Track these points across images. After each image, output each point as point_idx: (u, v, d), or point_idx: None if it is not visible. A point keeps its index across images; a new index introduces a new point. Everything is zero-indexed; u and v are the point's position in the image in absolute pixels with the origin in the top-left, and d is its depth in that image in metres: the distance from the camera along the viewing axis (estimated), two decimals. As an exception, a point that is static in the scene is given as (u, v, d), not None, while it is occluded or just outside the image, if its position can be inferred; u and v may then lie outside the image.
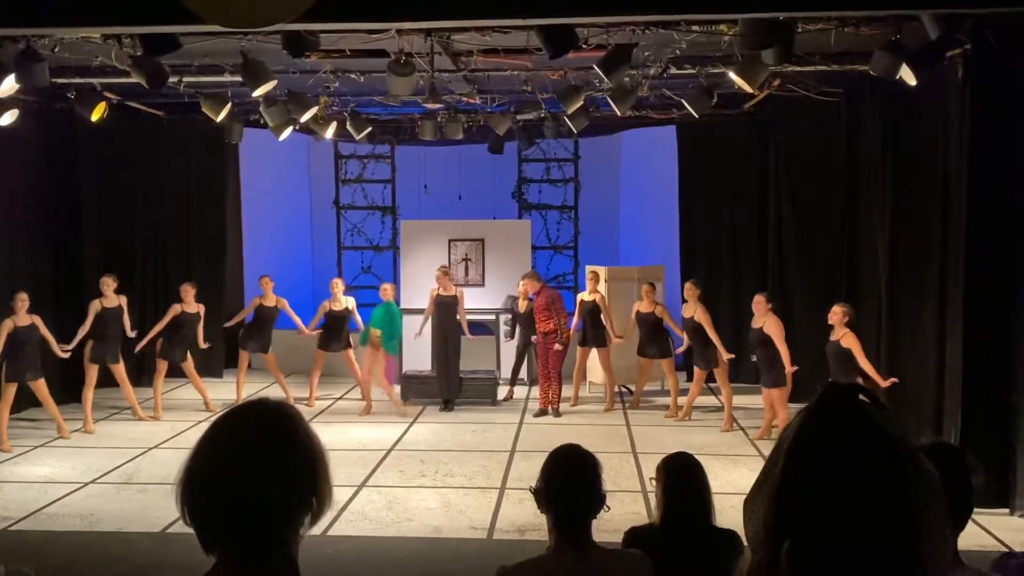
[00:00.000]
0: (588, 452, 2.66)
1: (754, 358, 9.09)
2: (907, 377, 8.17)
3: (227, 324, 10.94)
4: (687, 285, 9.80)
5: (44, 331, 8.95)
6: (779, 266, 11.20)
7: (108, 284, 9.73)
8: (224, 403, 10.33)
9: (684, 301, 9.77)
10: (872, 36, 6.78)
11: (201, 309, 10.27)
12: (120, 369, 9.83)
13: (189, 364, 10.28)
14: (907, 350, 8.38)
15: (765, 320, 8.71)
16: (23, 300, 8.76)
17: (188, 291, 10.17)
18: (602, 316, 10.40)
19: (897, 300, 8.60)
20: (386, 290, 10.49)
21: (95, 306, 9.63)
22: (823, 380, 7.97)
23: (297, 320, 10.65)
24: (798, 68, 8.06)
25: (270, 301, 10.54)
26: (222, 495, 1.38)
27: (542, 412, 10.22)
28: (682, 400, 10.09)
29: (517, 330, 10.99)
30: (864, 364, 7.87)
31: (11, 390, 8.80)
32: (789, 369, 8.53)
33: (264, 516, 1.38)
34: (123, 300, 9.87)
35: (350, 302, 10.61)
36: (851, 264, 9.92)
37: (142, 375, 11.50)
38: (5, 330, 8.59)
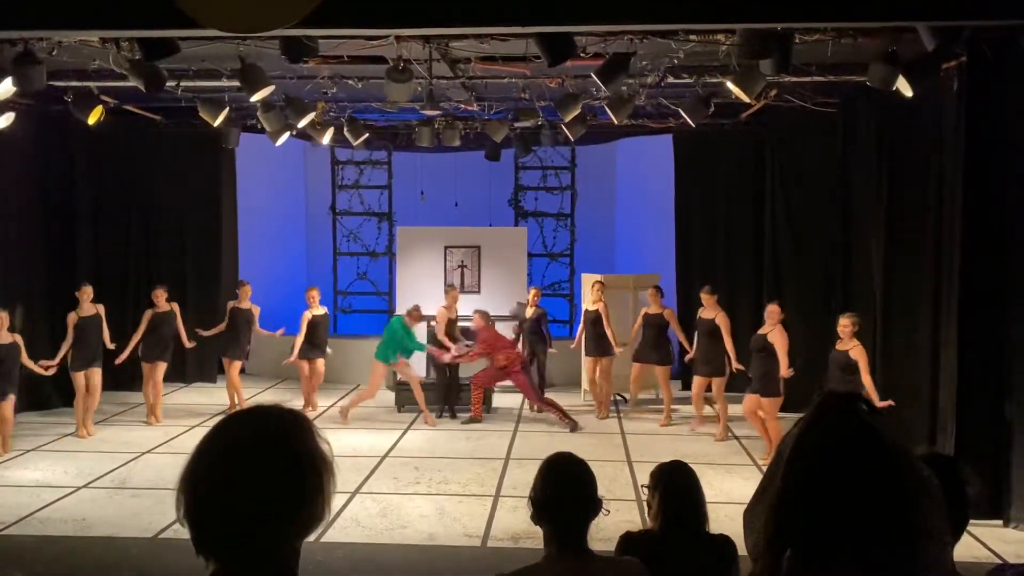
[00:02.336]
0: (580, 458, 2.65)
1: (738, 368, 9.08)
2: (902, 387, 8.17)
3: (206, 332, 10.59)
4: (704, 292, 9.72)
5: (22, 352, 8.79)
6: (774, 275, 11.22)
7: (87, 293, 9.60)
8: (217, 410, 10.32)
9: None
10: (869, 47, 6.81)
11: (176, 308, 10.14)
12: (96, 374, 9.53)
13: (162, 366, 10.03)
14: (901, 360, 8.39)
15: (772, 330, 8.64)
16: (2, 319, 8.58)
17: (159, 294, 10.08)
18: (604, 325, 10.41)
19: (891, 310, 8.61)
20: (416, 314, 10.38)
21: (72, 318, 9.47)
22: (817, 389, 8.02)
23: (260, 331, 10.52)
24: (795, 78, 8.09)
25: (244, 304, 10.46)
26: (220, 500, 1.37)
27: (472, 420, 10.27)
28: (688, 409, 10.03)
29: (521, 339, 10.98)
30: (866, 380, 7.76)
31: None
32: (785, 373, 8.43)
33: (262, 523, 1.37)
34: (101, 309, 9.67)
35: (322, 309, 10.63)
36: (846, 273, 9.94)
37: (134, 380, 11.43)
38: None
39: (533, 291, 10.99)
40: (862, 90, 8.13)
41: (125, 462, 8.43)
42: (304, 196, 14.87)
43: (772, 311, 8.80)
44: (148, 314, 10.05)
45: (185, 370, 12.02)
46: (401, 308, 12.11)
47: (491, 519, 6.89)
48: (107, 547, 6.33)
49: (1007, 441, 6.66)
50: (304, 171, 14.71)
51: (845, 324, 7.99)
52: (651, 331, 10.17)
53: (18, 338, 8.79)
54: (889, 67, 6.64)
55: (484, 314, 10.40)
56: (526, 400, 10.87)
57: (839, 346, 8.02)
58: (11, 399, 8.67)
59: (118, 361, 9.86)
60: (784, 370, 8.43)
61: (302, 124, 9.45)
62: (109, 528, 6.68)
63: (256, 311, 10.48)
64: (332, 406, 11.12)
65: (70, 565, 5.99)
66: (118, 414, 10.23)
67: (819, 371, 8.31)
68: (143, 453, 8.76)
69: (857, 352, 7.85)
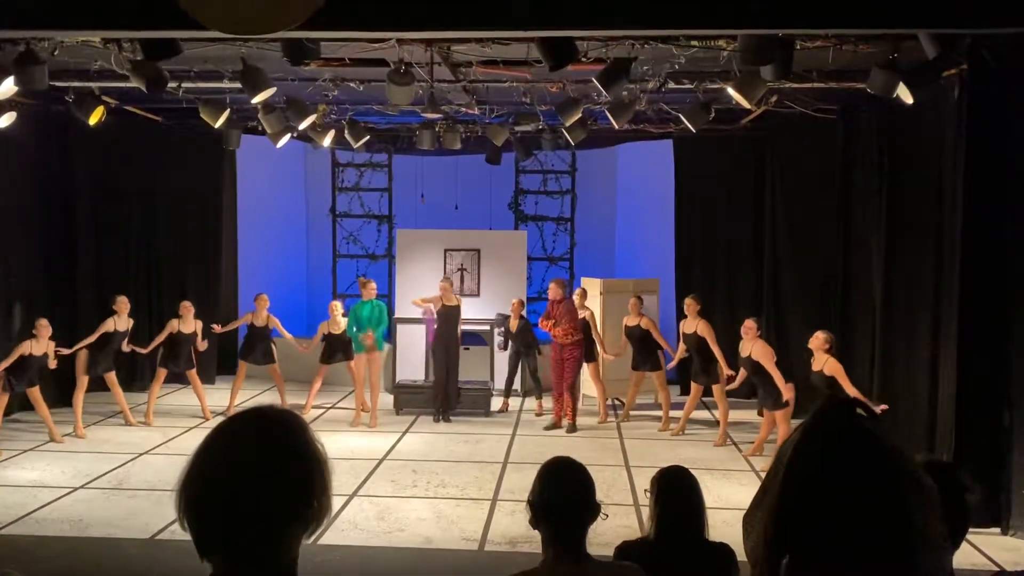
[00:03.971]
0: (579, 463, 2.65)
1: (737, 383, 9.07)
2: (901, 394, 8.17)
3: (220, 329, 10.80)
4: (687, 301, 9.72)
5: (50, 352, 9.05)
6: (774, 282, 11.22)
7: (124, 305, 9.78)
8: (215, 410, 10.30)
9: (683, 317, 9.75)
10: (870, 54, 6.82)
11: (199, 327, 10.21)
12: (112, 376, 9.82)
13: (193, 373, 10.25)
14: (901, 368, 8.39)
15: (753, 346, 8.60)
16: (45, 327, 8.89)
17: (188, 309, 10.15)
18: (592, 332, 10.40)
19: (891, 317, 8.61)
20: (371, 286, 10.40)
21: (108, 325, 9.64)
22: (816, 398, 8.03)
23: (289, 337, 10.60)
24: (795, 85, 8.10)
25: (260, 320, 10.50)
26: (221, 500, 1.37)
27: (554, 425, 10.17)
28: (677, 414, 10.07)
29: (509, 342, 10.97)
30: (850, 390, 7.63)
31: (4, 399, 8.83)
32: (788, 396, 8.39)
33: (263, 523, 1.37)
34: (130, 324, 9.88)
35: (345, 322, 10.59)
36: (845, 280, 9.94)
37: (134, 380, 11.46)
38: (19, 352, 8.72)
39: (516, 302, 10.80)
40: (863, 97, 8.14)
41: (123, 463, 8.41)
42: (304, 198, 14.88)
43: (748, 327, 8.73)
44: (174, 325, 10.09)
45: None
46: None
47: (489, 523, 6.89)
48: (104, 547, 6.32)
49: (1006, 448, 6.65)
50: (304, 173, 14.72)
51: (817, 339, 7.88)
52: (633, 342, 10.17)
53: (52, 345, 9.01)
54: (890, 74, 6.65)
55: (562, 283, 10.23)
56: (527, 400, 10.87)
57: (815, 366, 7.91)
58: (36, 388, 8.98)
59: (135, 349, 10.14)
60: (783, 389, 8.40)
61: (303, 126, 9.46)
62: (106, 528, 6.67)
63: (276, 322, 10.50)
64: (330, 408, 11.13)
65: (67, 565, 5.97)
66: (116, 415, 10.21)
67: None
68: (141, 454, 8.74)
69: (831, 366, 7.74)
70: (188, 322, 10.10)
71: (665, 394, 10.26)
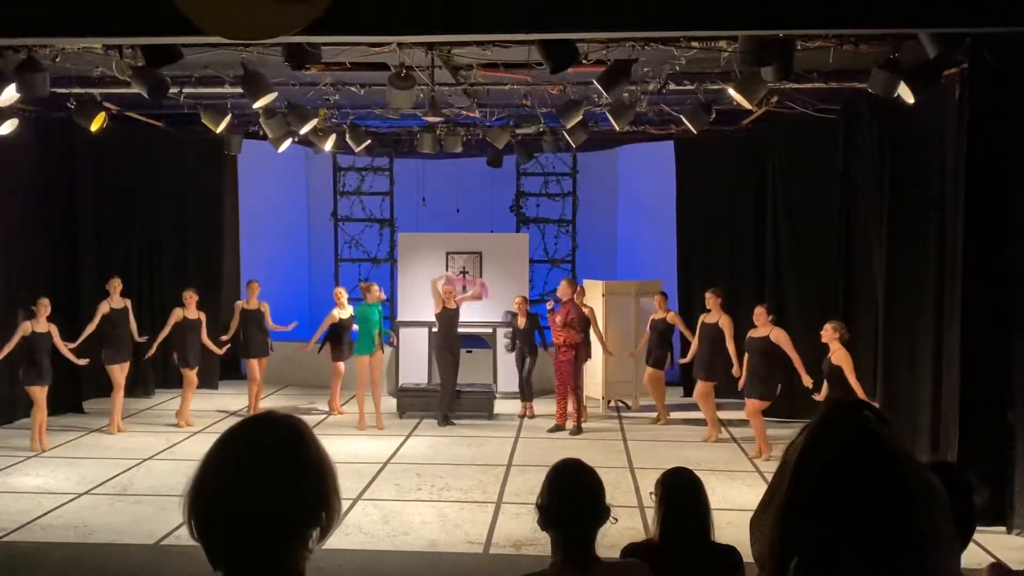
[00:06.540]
0: (588, 466, 2.65)
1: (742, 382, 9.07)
2: (904, 394, 8.16)
3: (224, 338, 10.69)
4: (709, 294, 9.81)
5: (58, 340, 9.07)
6: (776, 282, 11.20)
7: (116, 286, 9.84)
8: (218, 417, 10.30)
9: (706, 311, 9.80)
10: (870, 54, 6.82)
11: (202, 316, 10.27)
12: (124, 370, 9.86)
13: (192, 373, 10.24)
14: (904, 367, 8.38)
15: (770, 330, 8.73)
16: (45, 305, 8.95)
17: (191, 297, 10.19)
18: (593, 328, 10.42)
19: (894, 317, 8.60)
20: (374, 289, 10.41)
21: (103, 307, 9.70)
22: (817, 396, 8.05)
23: (271, 324, 10.59)
24: (796, 85, 8.10)
25: (252, 304, 10.53)
26: (232, 508, 1.36)
27: (558, 428, 10.17)
28: (683, 415, 10.06)
29: (516, 344, 10.95)
30: (853, 383, 7.81)
31: (38, 394, 8.88)
32: (808, 380, 8.49)
33: (274, 530, 1.37)
34: (128, 303, 9.93)
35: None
36: (848, 280, 9.93)
37: (137, 386, 11.45)
38: (21, 332, 8.75)
39: (519, 299, 10.86)
40: (863, 97, 8.14)
41: (127, 468, 8.41)
42: (306, 202, 14.90)
43: (760, 313, 8.93)
44: (179, 314, 10.15)
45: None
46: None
47: (493, 526, 6.88)
48: (109, 554, 6.32)
49: (1010, 447, 6.64)
50: (306, 177, 14.74)
51: (828, 329, 8.08)
52: (655, 335, 10.39)
53: (54, 328, 9.01)
54: (890, 74, 6.65)
55: (571, 283, 10.26)
56: (525, 403, 10.87)
57: (830, 357, 8.05)
58: (46, 387, 8.96)
59: (148, 355, 10.27)
60: (805, 378, 8.52)
61: (304, 131, 9.47)
62: (111, 535, 6.67)
63: (266, 308, 10.55)
64: (330, 414, 11.11)
65: (72, 572, 5.98)
66: (123, 419, 10.20)
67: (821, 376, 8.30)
68: (145, 460, 8.74)
69: (839, 356, 7.89)
70: (192, 310, 10.15)
71: (657, 393, 10.38)
